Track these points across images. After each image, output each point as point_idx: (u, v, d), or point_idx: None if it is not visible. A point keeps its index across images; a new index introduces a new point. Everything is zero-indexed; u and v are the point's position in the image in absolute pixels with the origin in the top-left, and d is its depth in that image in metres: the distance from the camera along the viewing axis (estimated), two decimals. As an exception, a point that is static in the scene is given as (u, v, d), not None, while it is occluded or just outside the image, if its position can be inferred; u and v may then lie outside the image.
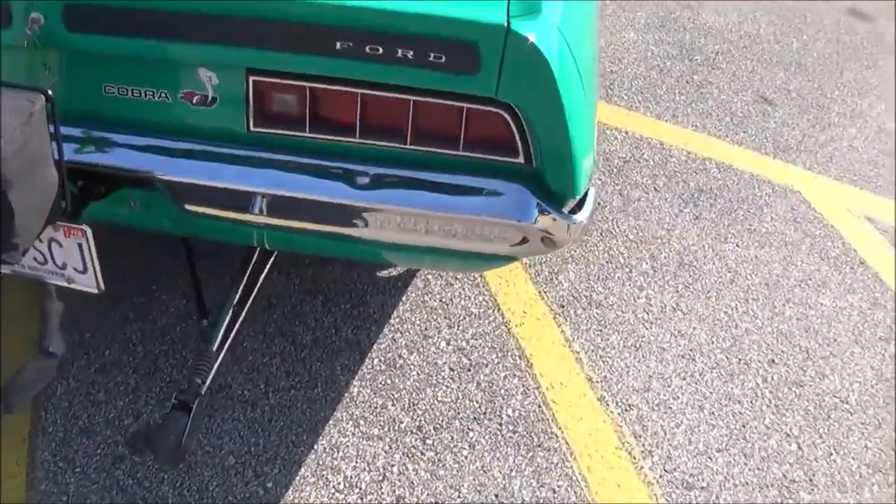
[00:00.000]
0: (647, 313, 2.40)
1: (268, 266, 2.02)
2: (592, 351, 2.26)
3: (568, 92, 1.41)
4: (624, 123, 3.26)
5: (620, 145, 3.13)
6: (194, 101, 1.55)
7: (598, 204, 2.78)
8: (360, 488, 1.86)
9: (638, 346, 2.30)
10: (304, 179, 1.55)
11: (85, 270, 1.62)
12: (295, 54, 1.43)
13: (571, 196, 1.49)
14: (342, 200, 1.53)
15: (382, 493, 1.86)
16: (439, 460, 1.94)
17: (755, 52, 3.79)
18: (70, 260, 1.62)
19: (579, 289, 2.45)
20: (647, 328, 2.35)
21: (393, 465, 1.92)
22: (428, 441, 1.98)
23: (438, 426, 2.01)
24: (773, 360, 2.30)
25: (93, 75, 1.58)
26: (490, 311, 2.34)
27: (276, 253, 2.03)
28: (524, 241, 1.54)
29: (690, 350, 2.30)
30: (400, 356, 2.17)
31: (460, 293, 2.38)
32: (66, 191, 1.49)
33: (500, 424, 2.03)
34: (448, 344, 2.23)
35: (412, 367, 2.15)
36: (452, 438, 1.99)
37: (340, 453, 1.93)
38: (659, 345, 2.31)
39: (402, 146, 1.51)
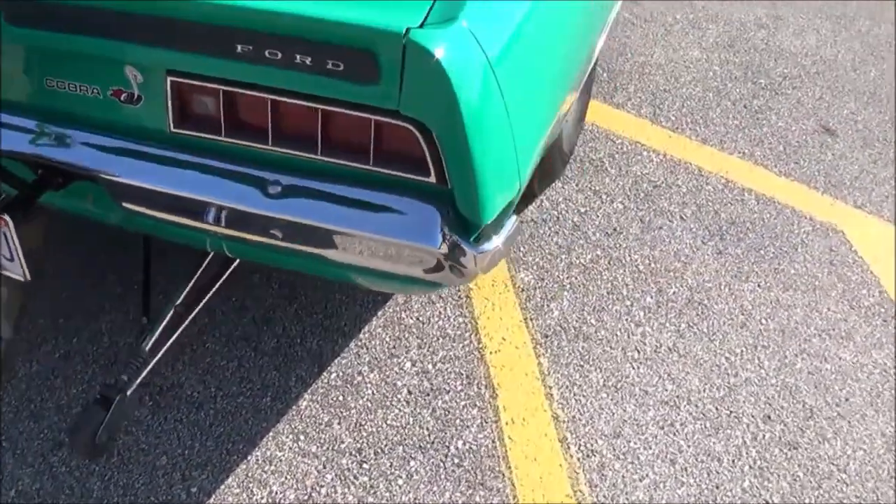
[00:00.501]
0: (639, 352, 2.23)
1: (229, 271, 1.99)
2: (567, 387, 2.11)
3: (475, 113, 1.30)
4: (664, 146, 3.06)
5: (655, 168, 2.94)
6: (122, 98, 1.54)
7: (614, 230, 2.62)
8: (283, 506, 1.80)
9: (619, 386, 2.13)
10: (219, 183, 1.51)
11: (11, 258, 1.63)
12: (204, 56, 1.39)
13: (478, 224, 1.37)
14: (250, 208, 1.48)
15: (304, 514, 1.79)
16: (371, 486, 1.85)
17: (827, 78, 3.49)
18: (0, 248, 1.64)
19: (570, 319, 2.31)
20: (633, 368, 2.18)
21: (322, 486, 1.85)
22: (364, 465, 1.89)
23: (379, 451, 1.92)
24: (770, 417, 2.08)
25: (36, 69, 1.59)
26: (467, 335, 2.23)
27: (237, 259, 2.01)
28: (438, 266, 1.44)
29: (677, 397, 2.11)
30: (359, 373, 2.10)
31: (440, 313, 2.28)
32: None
33: (446, 456, 1.92)
34: (413, 365, 2.13)
35: (369, 385, 2.07)
36: (391, 465, 1.89)
37: (272, 467, 1.88)
38: (643, 387, 2.13)
39: (314, 156, 1.44)
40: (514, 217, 1.46)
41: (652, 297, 2.40)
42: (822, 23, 3.89)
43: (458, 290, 2.36)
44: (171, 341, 1.83)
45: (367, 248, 1.43)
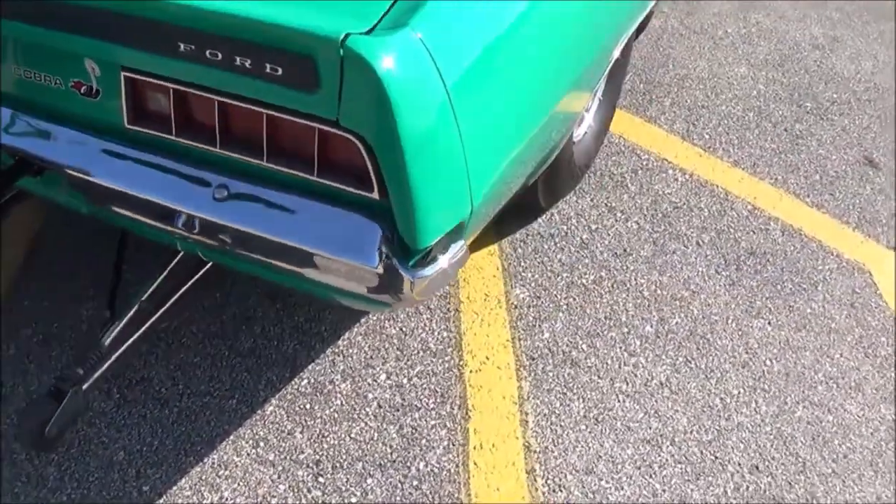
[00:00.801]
0: (628, 384, 2.12)
1: (202, 271, 1.95)
2: (544, 415, 2.02)
3: (417, 131, 1.22)
4: (692, 165, 2.92)
5: (678, 188, 2.80)
6: (82, 90, 1.52)
7: (623, 251, 2.50)
8: (230, 514, 1.76)
9: (600, 419, 2.02)
10: (168, 183, 1.47)
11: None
12: (152, 54, 1.36)
13: (415, 248, 1.30)
14: (193, 211, 1.43)
15: (250, 525, 1.75)
16: (323, 502, 1.80)
17: (878, 107, 3.28)
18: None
19: (560, 342, 2.21)
20: (619, 401, 2.07)
21: (273, 497, 1.80)
22: (320, 479, 1.84)
23: (338, 465, 1.87)
24: (757, 467, 1.95)
25: (10, 59, 1.59)
26: (449, 350, 2.15)
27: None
28: (380, 287, 1.37)
29: (661, 436, 2.00)
30: (331, 382, 2.04)
31: (425, 325, 2.21)
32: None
33: (405, 477, 1.86)
34: (388, 378, 2.07)
35: (339, 395, 2.01)
36: (347, 481, 1.84)
37: (227, 472, 1.84)
38: (626, 423, 2.02)
39: (259, 162, 1.39)
40: (461, 241, 1.38)
41: (651, 327, 2.28)
42: (882, 49, 3.66)
43: (447, 303, 2.29)
44: (134, 337, 1.80)
45: (306, 260, 1.38)
